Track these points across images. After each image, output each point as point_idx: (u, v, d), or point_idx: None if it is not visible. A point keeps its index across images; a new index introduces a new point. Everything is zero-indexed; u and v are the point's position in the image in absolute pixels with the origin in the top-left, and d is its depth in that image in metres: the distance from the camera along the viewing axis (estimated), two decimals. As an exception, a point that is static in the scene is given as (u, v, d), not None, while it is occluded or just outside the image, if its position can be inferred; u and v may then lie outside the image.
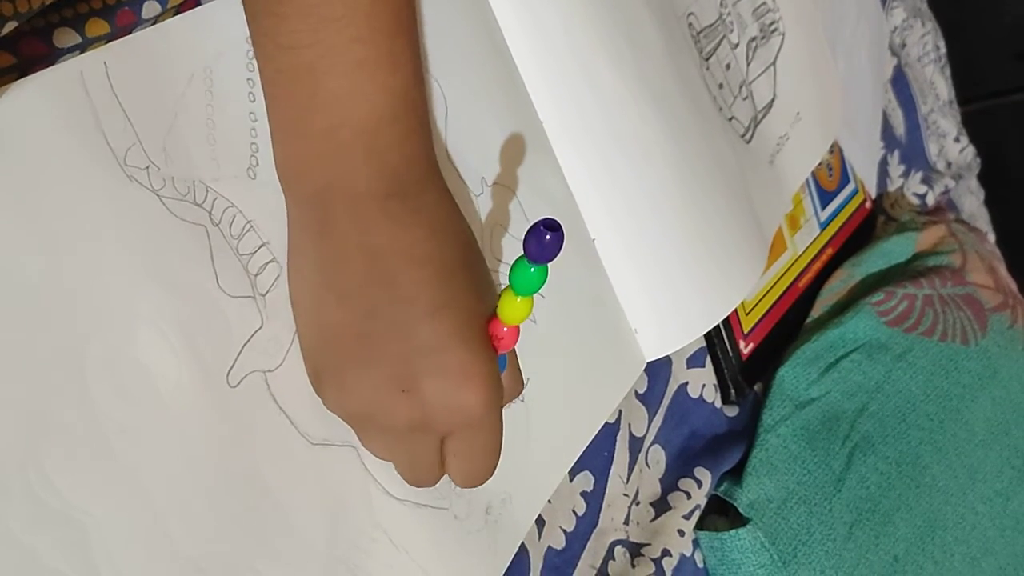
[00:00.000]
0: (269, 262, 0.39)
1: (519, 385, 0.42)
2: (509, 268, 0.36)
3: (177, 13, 0.38)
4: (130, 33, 0.36)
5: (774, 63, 0.74)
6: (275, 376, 0.38)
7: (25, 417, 0.31)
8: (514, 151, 0.50)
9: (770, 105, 0.73)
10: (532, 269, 0.35)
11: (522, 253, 0.34)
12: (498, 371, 0.37)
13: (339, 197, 0.36)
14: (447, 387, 0.36)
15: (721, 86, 0.67)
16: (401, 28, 0.36)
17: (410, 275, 0.36)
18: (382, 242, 0.36)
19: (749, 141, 0.69)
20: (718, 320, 0.61)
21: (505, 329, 0.37)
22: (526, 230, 0.33)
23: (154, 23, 0.37)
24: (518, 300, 0.36)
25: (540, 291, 0.36)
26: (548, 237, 0.33)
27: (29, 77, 0.33)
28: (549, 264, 0.35)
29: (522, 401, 0.49)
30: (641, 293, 0.57)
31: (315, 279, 0.37)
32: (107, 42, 0.35)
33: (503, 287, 0.37)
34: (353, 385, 0.37)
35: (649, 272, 0.57)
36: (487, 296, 0.38)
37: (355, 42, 0.35)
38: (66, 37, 0.34)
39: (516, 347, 0.39)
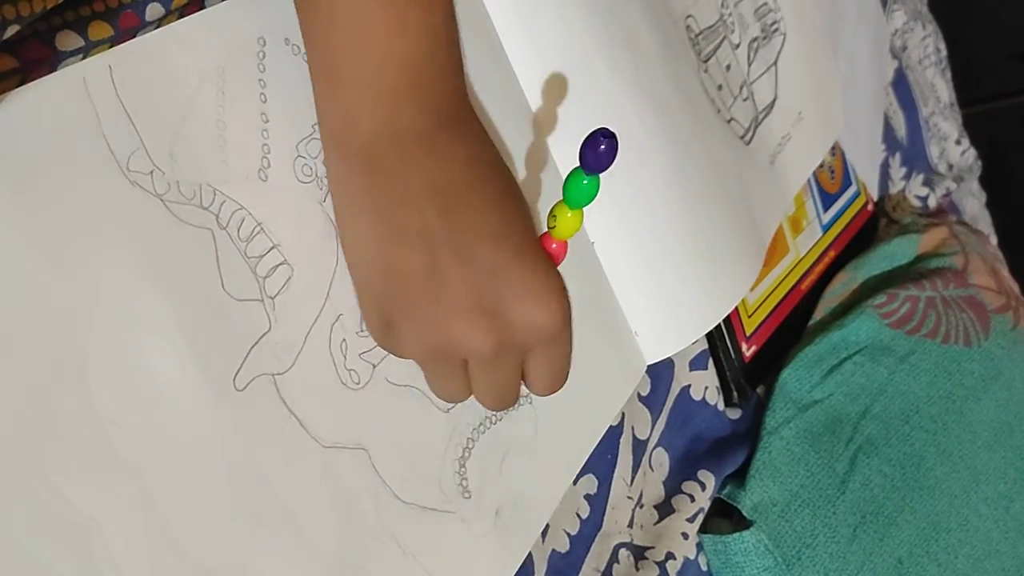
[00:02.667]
0: (280, 264, 0.39)
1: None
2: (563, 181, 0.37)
3: (181, 15, 0.38)
4: (134, 36, 0.36)
5: (775, 63, 0.74)
6: (285, 379, 0.38)
7: (30, 422, 0.31)
8: (514, 155, 0.50)
9: (771, 105, 0.73)
10: (586, 180, 0.36)
11: (576, 165, 0.36)
12: (564, 282, 0.39)
13: (387, 139, 0.37)
14: (526, 307, 0.37)
15: (720, 88, 0.67)
16: None
17: (467, 204, 0.37)
18: (433, 177, 0.37)
19: (749, 142, 0.69)
20: (716, 322, 0.61)
21: (555, 245, 0.39)
22: (582, 140, 0.34)
23: (157, 26, 0.37)
24: (569, 214, 0.38)
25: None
26: (603, 146, 0.34)
27: (31, 83, 0.33)
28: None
29: (530, 403, 0.49)
30: (640, 296, 0.57)
31: (372, 228, 0.38)
32: (110, 45, 0.35)
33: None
34: (432, 319, 0.37)
35: (648, 275, 0.57)
36: (531, 219, 0.40)
37: None
38: (69, 40, 0.34)
39: None
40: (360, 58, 0.37)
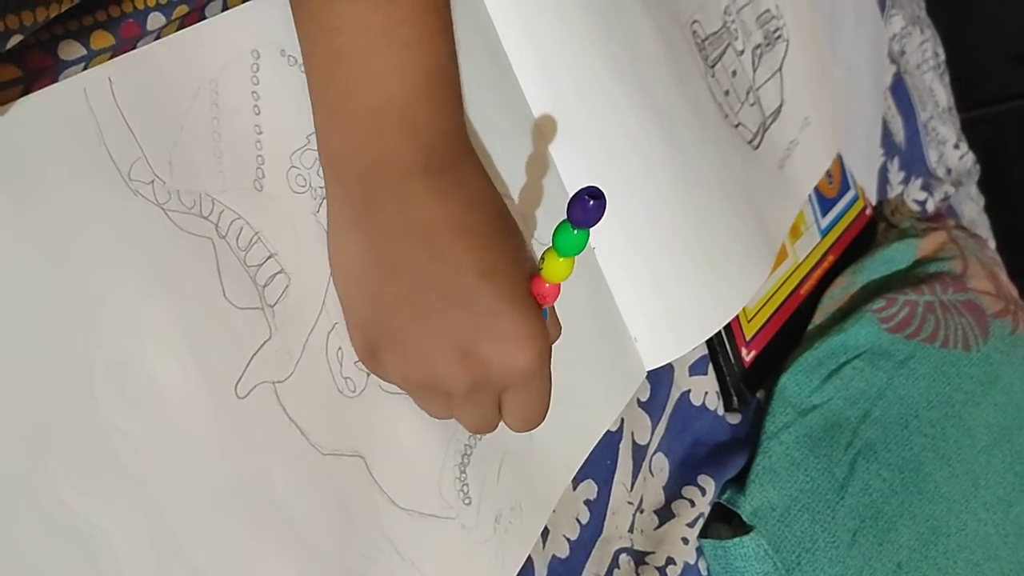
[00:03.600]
0: (277, 273, 0.39)
1: (558, 329, 0.44)
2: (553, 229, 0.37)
3: (182, 26, 0.38)
4: (135, 45, 0.36)
5: (780, 69, 0.75)
6: (285, 387, 0.39)
7: (33, 431, 0.31)
8: (513, 158, 0.50)
9: (778, 111, 0.73)
10: (575, 232, 0.37)
11: (565, 218, 0.36)
12: (546, 328, 0.39)
13: (383, 174, 0.38)
14: (505, 349, 0.38)
15: (727, 93, 0.67)
16: (438, 6, 0.38)
17: (457, 246, 0.38)
18: (427, 216, 0.38)
19: (757, 147, 0.69)
20: (717, 328, 0.61)
21: (547, 286, 0.40)
22: (569, 197, 0.35)
23: (158, 36, 0.37)
24: (560, 260, 0.38)
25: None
26: (591, 204, 0.34)
27: (33, 94, 0.33)
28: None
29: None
30: (640, 301, 0.57)
31: (364, 256, 0.39)
32: (112, 54, 0.35)
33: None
34: (415, 354, 0.39)
35: (648, 281, 0.57)
36: (526, 259, 0.41)
37: (401, 24, 0.36)
38: (71, 49, 0.34)
39: None
40: (360, 94, 0.37)
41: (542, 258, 0.39)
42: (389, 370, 0.40)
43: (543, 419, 0.43)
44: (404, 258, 0.38)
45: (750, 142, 0.69)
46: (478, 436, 0.46)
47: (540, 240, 0.51)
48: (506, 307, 0.38)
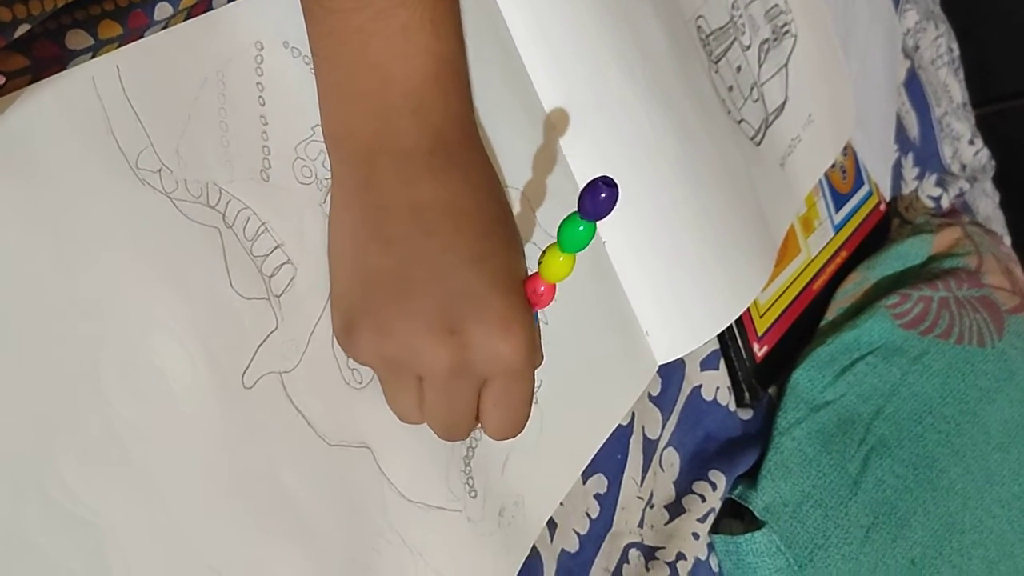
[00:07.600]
0: (284, 263, 0.39)
1: (541, 356, 0.42)
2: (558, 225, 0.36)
3: (189, 16, 0.38)
4: (142, 35, 0.36)
5: (786, 65, 0.74)
6: (291, 377, 0.38)
7: (40, 420, 0.31)
8: (524, 153, 0.50)
9: (782, 107, 0.73)
10: (581, 227, 0.35)
11: (574, 210, 0.35)
12: (533, 323, 0.38)
13: (385, 153, 0.38)
14: (490, 332, 0.36)
15: (731, 89, 0.67)
16: None
17: (452, 226, 0.37)
18: (425, 195, 0.38)
19: (759, 143, 0.69)
20: (728, 322, 0.61)
21: (543, 289, 0.38)
22: (582, 187, 0.34)
23: (166, 26, 0.37)
24: (561, 258, 0.37)
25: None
26: (603, 195, 0.33)
27: (41, 82, 0.33)
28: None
29: (535, 403, 0.48)
30: (652, 296, 0.57)
31: (357, 229, 0.39)
32: (119, 44, 0.36)
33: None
34: (393, 327, 0.37)
35: (659, 274, 0.57)
36: (520, 252, 0.40)
37: (400, 7, 0.36)
38: (78, 39, 0.35)
39: None
40: (363, 76, 0.37)
41: (542, 254, 0.38)
42: (363, 347, 0.38)
43: (522, 427, 0.40)
44: (397, 232, 0.37)
45: (752, 138, 0.69)
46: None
47: (549, 231, 0.50)
48: (494, 292, 0.36)
